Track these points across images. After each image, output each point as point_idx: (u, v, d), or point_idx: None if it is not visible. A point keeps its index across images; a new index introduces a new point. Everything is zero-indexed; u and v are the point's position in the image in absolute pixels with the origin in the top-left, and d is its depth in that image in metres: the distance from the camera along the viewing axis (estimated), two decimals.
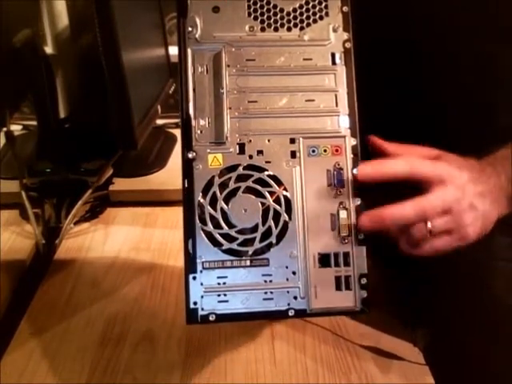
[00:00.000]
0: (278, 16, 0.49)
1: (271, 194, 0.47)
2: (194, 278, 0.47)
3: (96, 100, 0.85)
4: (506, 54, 0.55)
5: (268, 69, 0.49)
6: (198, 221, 0.47)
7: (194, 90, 0.48)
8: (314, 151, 0.48)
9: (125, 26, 0.74)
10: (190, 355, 0.60)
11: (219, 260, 0.47)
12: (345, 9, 0.49)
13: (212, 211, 0.47)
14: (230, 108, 0.48)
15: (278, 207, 0.47)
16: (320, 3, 0.49)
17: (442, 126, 0.58)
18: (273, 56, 0.49)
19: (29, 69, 0.79)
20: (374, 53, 0.57)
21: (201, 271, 0.47)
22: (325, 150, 0.48)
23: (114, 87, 0.73)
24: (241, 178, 0.47)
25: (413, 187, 0.47)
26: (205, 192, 0.47)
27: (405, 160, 0.48)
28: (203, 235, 0.47)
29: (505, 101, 0.58)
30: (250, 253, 0.47)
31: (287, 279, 0.47)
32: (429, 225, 0.46)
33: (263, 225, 0.47)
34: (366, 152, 0.49)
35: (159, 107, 0.93)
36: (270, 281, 0.47)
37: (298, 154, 0.48)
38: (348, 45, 0.49)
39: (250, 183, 0.47)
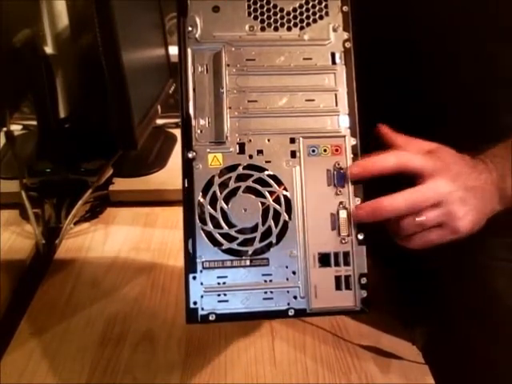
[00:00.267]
0: (278, 16, 0.49)
1: (271, 193, 0.47)
2: (194, 278, 0.47)
3: (96, 100, 0.85)
4: (506, 54, 0.55)
5: (268, 68, 0.48)
6: (197, 220, 0.47)
7: (193, 89, 0.48)
8: (313, 151, 0.48)
9: (125, 26, 0.74)
10: (189, 355, 0.60)
11: (219, 260, 0.47)
12: (345, 8, 0.49)
13: (212, 211, 0.47)
14: (229, 108, 0.48)
15: (277, 207, 0.47)
16: (320, 3, 0.49)
17: (441, 126, 0.58)
18: (273, 56, 0.49)
19: (29, 69, 0.79)
20: (374, 53, 0.57)
21: (201, 271, 0.47)
22: (325, 150, 0.48)
23: (114, 87, 0.73)
24: (241, 178, 0.47)
25: (409, 182, 0.47)
26: (205, 192, 0.47)
27: (394, 154, 0.48)
28: (203, 235, 0.47)
29: (505, 100, 0.58)
30: (250, 252, 0.47)
31: (287, 279, 0.47)
32: (420, 217, 0.46)
33: (263, 224, 0.47)
34: (366, 152, 0.49)
35: (159, 107, 0.93)
36: (270, 280, 0.47)
37: (297, 154, 0.48)
38: (348, 44, 0.49)
39: (249, 183, 0.47)
